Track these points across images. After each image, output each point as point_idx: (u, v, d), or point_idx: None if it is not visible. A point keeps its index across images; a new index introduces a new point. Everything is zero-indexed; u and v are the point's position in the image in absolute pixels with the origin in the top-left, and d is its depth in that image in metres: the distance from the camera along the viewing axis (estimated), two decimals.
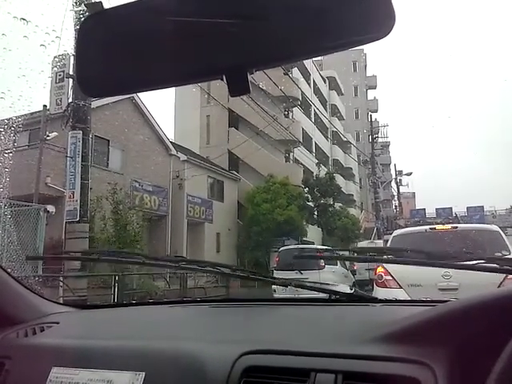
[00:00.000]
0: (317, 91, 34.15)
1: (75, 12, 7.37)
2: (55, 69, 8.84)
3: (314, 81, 33.37)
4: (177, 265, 1.52)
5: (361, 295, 1.51)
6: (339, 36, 0.57)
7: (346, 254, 1.85)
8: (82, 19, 0.64)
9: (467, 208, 41.63)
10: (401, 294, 4.84)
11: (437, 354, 0.78)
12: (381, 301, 1.41)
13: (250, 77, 0.60)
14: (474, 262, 1.24)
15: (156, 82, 0.64)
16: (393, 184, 38.47)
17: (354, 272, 16.37)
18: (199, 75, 0.63)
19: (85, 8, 6.30)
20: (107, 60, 0.64)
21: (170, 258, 1.65)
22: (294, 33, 0.57)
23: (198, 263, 1.55)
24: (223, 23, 0.57)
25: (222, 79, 0.59)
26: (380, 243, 17.60)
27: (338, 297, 1.40)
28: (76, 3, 7.44)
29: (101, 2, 0.66)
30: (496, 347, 0.68)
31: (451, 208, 40.29)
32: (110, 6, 0.64)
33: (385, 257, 1.49)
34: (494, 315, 0.77)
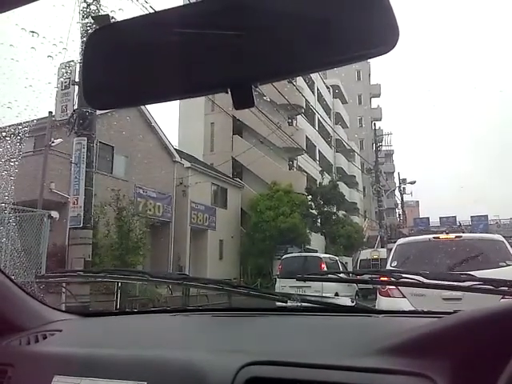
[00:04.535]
0: (321, 99, 34.23)
1: (82, 24, 7.46)
2: (61, 79, 8.93)
3: (318, 89, 33.47)
4: (180, 282, 1.58)
5: (363, 306, 1.51)
6: (344, 51, 0.57)
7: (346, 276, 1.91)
8: (89, 32, 0.65)
9: (471, 217, 41.43)
10: (404, 304, 4.81)
11: (440, 367, 0.78)
12: (383, 312, 1.40)
13: (254, 89, 0.61)
14: (471, 284, 1.28)
15: (161, 95, 0.65)
16: (396, 192, 38.33)
17: None
18: (204, 88, 0.64)
19: (92, 20, 6.37)
20: (113, 73, 0.65)
21: (174, 276, 1.72)
22: (298, 47, 0.58)
23: (200, 280, 1.59)
24: (228, 37, 0.58)
25: (227, 92, 0.60)
26: (383, 252, 17.51)
27: (340, 307, 1.40)
28: (83, 16, 7.54)
29: (108, 15, 0.67)
30: (500, 360, 0.68)
31: (455, 217, 40.11)
32: (117, 20, 0.65)
33: (385, 279, 1.58)
34: (498, 328, 0.76)
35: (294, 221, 21.86)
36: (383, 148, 35.02)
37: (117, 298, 10.19)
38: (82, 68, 0.69)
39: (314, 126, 30.95)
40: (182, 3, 0.65)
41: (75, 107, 8.57)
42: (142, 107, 17.92)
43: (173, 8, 0.63)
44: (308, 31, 0.57)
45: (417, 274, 1.38)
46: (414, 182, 33.89)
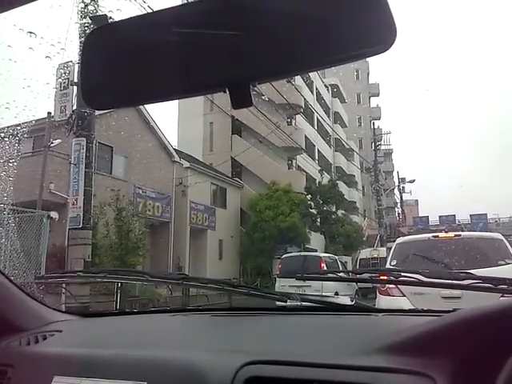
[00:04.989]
0: (320, 99, 34.23)
1: (80, 25, 7.46)
2: (60, 80, 8.93)
3: (316, 88, 33.46)
4: (179, 282, 1.58)
5: (363, 305, 1.51)
6: (341, 50, 0.58)
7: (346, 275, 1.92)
8: (87, 32, 0.65)
9: (470, 216, 41.46)
10: (404, 302, 4.81)
11: (439, 365, 0.78)
12: (383, 310, 1.40)
13: (252, 89, 0.61)
14: (470, 282, 1.28)
15: (159, 94, 0.65)
16: (396, 191, 38.38)
17: None
18: (202, 88, 0.64)
19: (90, 21, 6.38)
20: (112, 73, 0.65)
21: (174, 276, 1.73)
22: (296, 46, 0.58)
23: (200, 280, 1.58)
24: (226, 36, 0.58)
25: (225, 92, 0.60)
26: (383, 251, 17.52)
27: (340, 306, 1.41)
28: (81, 16, 7.53)
29: (106, 15, 0.67)
30: (499, 358, 0.68)
31: (454, 215, 40.14)
32: (115, 20, 0.66)
33: (384, 278, 1.58)
34: (497, 327, 0.76)
35: (293, 220, 21.87)
36: (382, 147, 35.10)
37: (116, 298, 10.18)
38: (80, 68, 0.69)
39: (312, 125, 30.97)
40: (179, 3, 0.65)
41: (74, 108, 8.58)
42: (141, 107, 17.91)
43: (171, 8, 0.63)
44: (306, 30, 0.57)
45: (416, 273, 1.38)
46: (414, 181, 33.93)
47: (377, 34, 0.56)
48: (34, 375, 1.11)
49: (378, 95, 51.06)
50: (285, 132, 23.74)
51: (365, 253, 20.35)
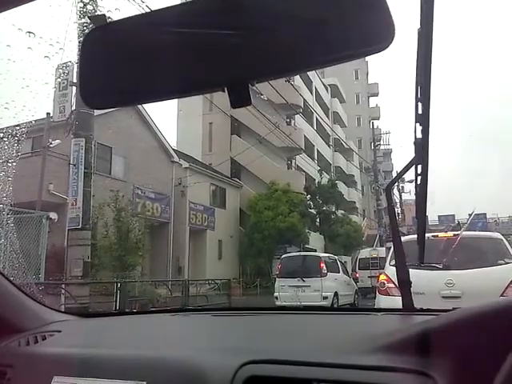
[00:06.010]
0: (319, 99, 34.24)
1: (79, 24, 7.47)
2: (59, 80, 8.95)
3: (315, 88, 33.48)
4: None
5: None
6: (340, 49, 0.58)
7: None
8: (86, 32, 0.65)
9: (470, 215, 41.41)
10: None
11: (438, 364, 0.78)
12: (383, 310, 1.41)
13: (251, 88, 0.61)
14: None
15: (158, 94, 0.65)
16: (395, 191, 38.38)
17: (356, 279, 16.32)
18: (201, 87, 0.64)
19: (88, 20, 6.41)
20: (110, 72, 0.65)
21: None
22: (294, 45, 0.58)
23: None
24: (224, 35, 0.58)
25: (224, 91, 0.60)
26: (382, 250, 17.52)
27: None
28: (80, 16, 7.54)
29: (104, 15, 0.67)
30: (498, 357, 0.68)
31: (454, 215, 40.11)
32: (114, 20, 0.66)
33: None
34: (497, 325, 0.76)
35: (292, 220, 21.88)
36: (381, 147, 35.17)
37: (116, 298, 10.18)
38: (79, 68, 0.69)
39: (312, 125, 30.98)
40: (178, 2, 0.65)
41: (73, 108, 8.59)
42: (140, 107, 17.91)
43: (169, 7, 0.63)
44: (304, 29, 0.57)
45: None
46: (413, 181, 33.91)
47: (375, 32, 0.56)
48: (33, 375, 1.11)
49: (377, 95, 51.11)
50: (284, 132, 23.74)
51: (364, 253, 20.38)
